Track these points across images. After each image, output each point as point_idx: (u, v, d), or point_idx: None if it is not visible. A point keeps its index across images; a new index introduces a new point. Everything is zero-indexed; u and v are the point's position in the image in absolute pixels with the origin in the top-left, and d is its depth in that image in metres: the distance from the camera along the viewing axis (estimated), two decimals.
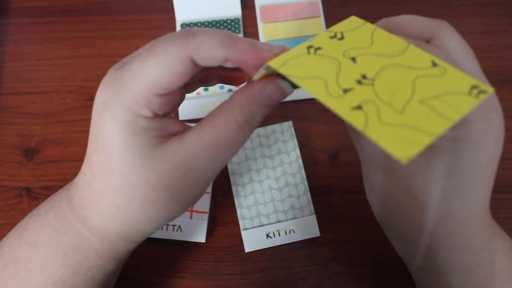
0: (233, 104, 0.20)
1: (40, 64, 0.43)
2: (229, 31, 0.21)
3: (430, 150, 0.20)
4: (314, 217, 0.35)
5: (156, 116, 0.21)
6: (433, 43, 0.20)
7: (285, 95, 0.21)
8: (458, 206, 0.20)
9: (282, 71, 0.18)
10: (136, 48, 0.47)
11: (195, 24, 0.42)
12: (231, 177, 0.37)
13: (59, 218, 0.25)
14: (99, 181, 0.22)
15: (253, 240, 0.35)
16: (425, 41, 0.20)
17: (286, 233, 0.35)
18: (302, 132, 0.38)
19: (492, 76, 0.41)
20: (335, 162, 0.38)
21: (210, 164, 0.21)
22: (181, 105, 0.26)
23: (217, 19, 0.42)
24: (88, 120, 0.40)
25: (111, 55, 0.43)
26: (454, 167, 0.20)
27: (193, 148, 0.20)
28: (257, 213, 0.35)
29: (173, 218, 0.23)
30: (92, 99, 0.41)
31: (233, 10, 0.42)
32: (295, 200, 0.36)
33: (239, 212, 0.36)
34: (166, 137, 0.21)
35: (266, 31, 0.41)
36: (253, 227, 0.35)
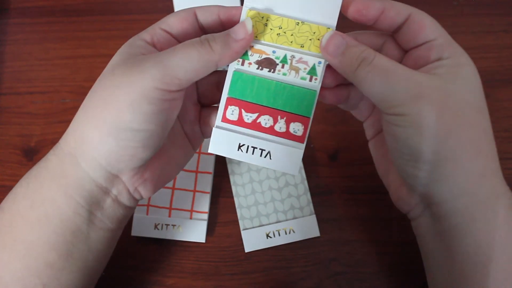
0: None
1: (40, 64, 0.43)
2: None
3: (439, 76, 0.24)
4: (314, 217, 0.35)
5: (153, 44, 0.26)
6: (411, 19, 0.25)
7: (247, 31, 0.25)
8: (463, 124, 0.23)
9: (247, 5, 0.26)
10: None
11: None
12: (231, 177, 0.37)
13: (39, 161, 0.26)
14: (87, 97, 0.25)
15: (253, 240, 0.35)
16: (405, 19, 0.25)
17: (286, 233, 0.35)
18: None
19: (492, 76, 0.41)
20: (335, 162, 0.38)
21: (161, 59, 0.24)
22: None
23: None
24: None
25: (111, 55, 0.42)
26: (455, 87, 0.24)
27: (157, 52, 0.25)
28: (257, 213, 0.35)
29: (121, 121, 0.23)
30: None
31: None
32: (295, 200, 0.36)
33: (239, 212, 0.36)
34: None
35: None
36: (253, 227, 0.35)
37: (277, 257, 0.35)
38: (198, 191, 0.36)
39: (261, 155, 0.27)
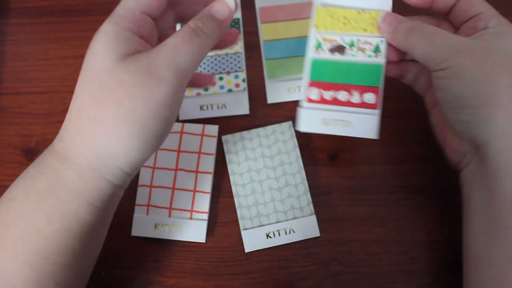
0: (190, 20, 0.26)
1: (40, 64, 0.43)
2: None
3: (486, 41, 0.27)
4: (314, 217, 0.35)
5: (139, 33, 0.25)
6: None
7: (230, 9, 0.27)
8: None
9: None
10: None
11: None
12: (231, 177, 0.37)
13: (37, 165, 0.25)
14: (78, 100, 0.24)
15: (253, 240, 0.35)
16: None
17: (286, 233, 0.35)
18: (302, 132, 0.38)
19: None
20: (335, 162, 0.38)
21: (170, 61, 0.24)
22: (181, 105, 0.28)
23: None
24: None
25: None
26: (495, 46, 0.27)
27: (156, 50, 0.24)
28: (257, 213, 0.35)
29: (146, 131, 0.24)
30: None
31: None
32: (295, 200, 0.36)
33: (239, 212, 0.36)
34: (143, 51, 0.25)
35: (266, 31, 0.41)
36: (253, 227, 0.35)
37: (277, 257, 0.35)
38: (198, 191, 0.36)
39: (343, 126, 0.32)
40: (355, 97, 0.31)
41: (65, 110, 0.41)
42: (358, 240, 0.35)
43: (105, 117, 0.23)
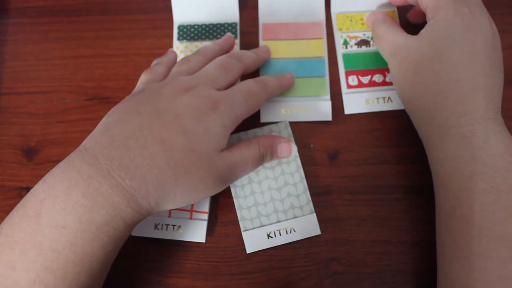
0: (261, 142, 0.33)
1: (40, 64, 0.43)
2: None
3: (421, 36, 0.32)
4: (314, 215, 0.35)
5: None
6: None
7: (291, 154, 0.35)
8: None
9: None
10: (136, 48, 0.47)
11: (192, 26, 0.42)
12: None
13: (91, 196, 0.25)
14: (170, 156, 0.27)
15: (254, 240, 0.35)
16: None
17: (287, 233, 0.35)
18: (301, 132, 0.38)
19: None
20: (335, 162, 0.38)
21: (241, 170, 0.32)
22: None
23: (215, 23, 0.42)
24: (88, 120, 0.40)
25: (111, 55, 0.43)
26: (416, 43, 0.32)
27: (235, 158, 0.31)
28: (257, 213, 0.35)
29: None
30: (92, 99, 0.41)
31: (231, 15, 0.42)
32: (294, 199, 0.36)
33: (239, 213, 0.36)
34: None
35: None
36: (253, 228, 0.35)
37: (277, 257, 0.35)
38: None
39: (384, 102, 0.37)
40: (389, 77, 0.37)
41: (65, 110, 0.42)
42: (358, 240, 0.35)
43: (184, 187, 0.28)
